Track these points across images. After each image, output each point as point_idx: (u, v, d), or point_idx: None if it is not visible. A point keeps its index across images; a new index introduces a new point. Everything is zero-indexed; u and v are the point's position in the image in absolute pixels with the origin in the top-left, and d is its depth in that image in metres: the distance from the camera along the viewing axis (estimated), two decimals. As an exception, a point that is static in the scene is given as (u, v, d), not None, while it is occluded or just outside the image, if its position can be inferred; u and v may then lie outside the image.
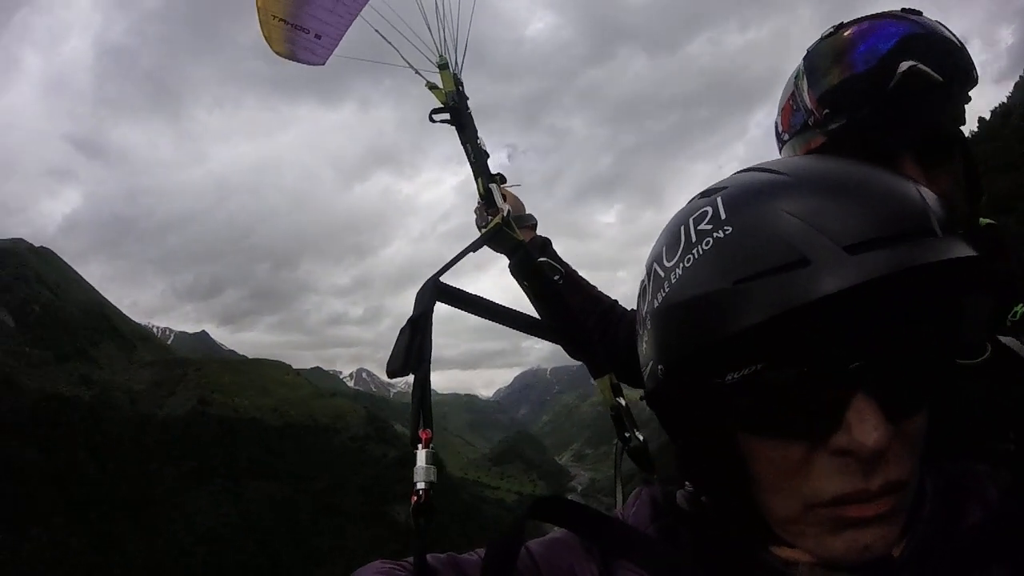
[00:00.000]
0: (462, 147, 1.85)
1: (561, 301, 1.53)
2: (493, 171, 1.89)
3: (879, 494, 0.59)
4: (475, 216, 1.95)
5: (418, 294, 0.88)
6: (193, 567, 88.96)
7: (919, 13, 1.32)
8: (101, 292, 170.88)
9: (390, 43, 1.99)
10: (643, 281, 0.71)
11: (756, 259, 0.57)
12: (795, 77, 1.42)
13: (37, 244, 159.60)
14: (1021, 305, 1.08)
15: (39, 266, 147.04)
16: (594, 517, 0.77)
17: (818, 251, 0.55)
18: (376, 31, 2.03)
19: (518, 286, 1.71)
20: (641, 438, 1.23)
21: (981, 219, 1.27)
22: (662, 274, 0.66)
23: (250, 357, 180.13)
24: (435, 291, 0.88)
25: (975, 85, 1.28)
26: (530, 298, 1.64)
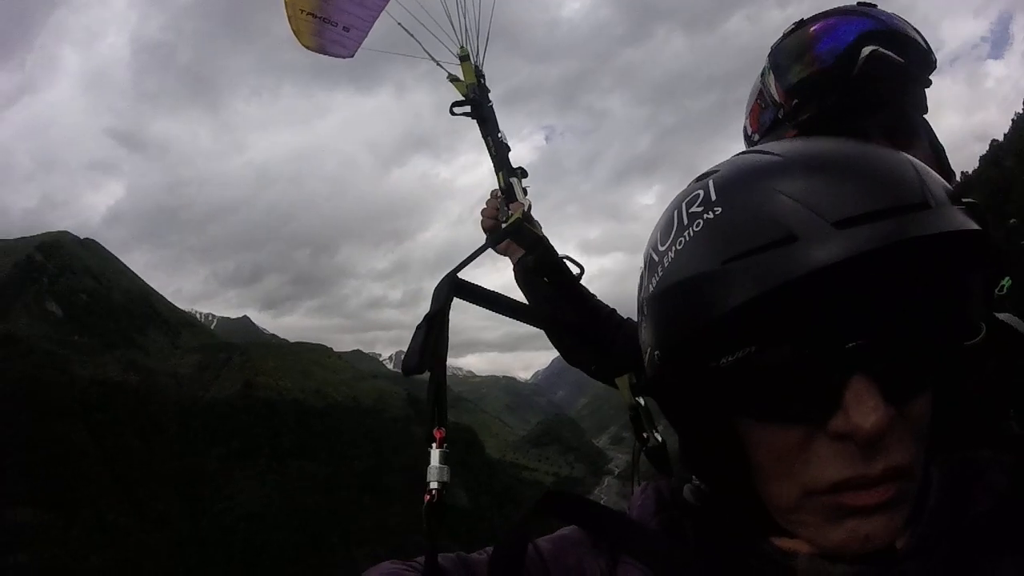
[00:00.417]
0: (483, 140, 1.84)
1: (584, 297, 1.50)
2: (520, 160, 1.85)
3: (880, 480, 0.57)
4: (482, 215, 1.91)
5: (435, 290, 0.87)
6: (237, 545, 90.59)
7: (874, 6, 1.37)
8: (145, 280, 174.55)
9: (412, 35, 2.00)
10: (641, 270, 0.71)
11: (744, 238, 0.56)
12: (761, 76, 1.46)
13: (82, 236, 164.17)
14: (1007, 279, 1.08)
15: (85, 257, 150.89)
16: (599, 512, 0.76)
17: (806, 227, 0.53)
18: (399, 24, 2.04)
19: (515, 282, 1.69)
20: (660, 438, 1.17)
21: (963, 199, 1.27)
22: (656, 259, 0.65)
23: (291, 341, 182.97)
24: (452, 287, 0.87)
25: (934, 69, 1.34)
26: (535, 297, 1.60)
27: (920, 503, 0.63)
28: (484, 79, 1.89)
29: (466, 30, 1.92)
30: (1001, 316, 1.00)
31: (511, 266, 1.84)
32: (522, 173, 1.80)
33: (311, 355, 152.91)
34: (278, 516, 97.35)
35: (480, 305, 0.99)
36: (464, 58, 1.90)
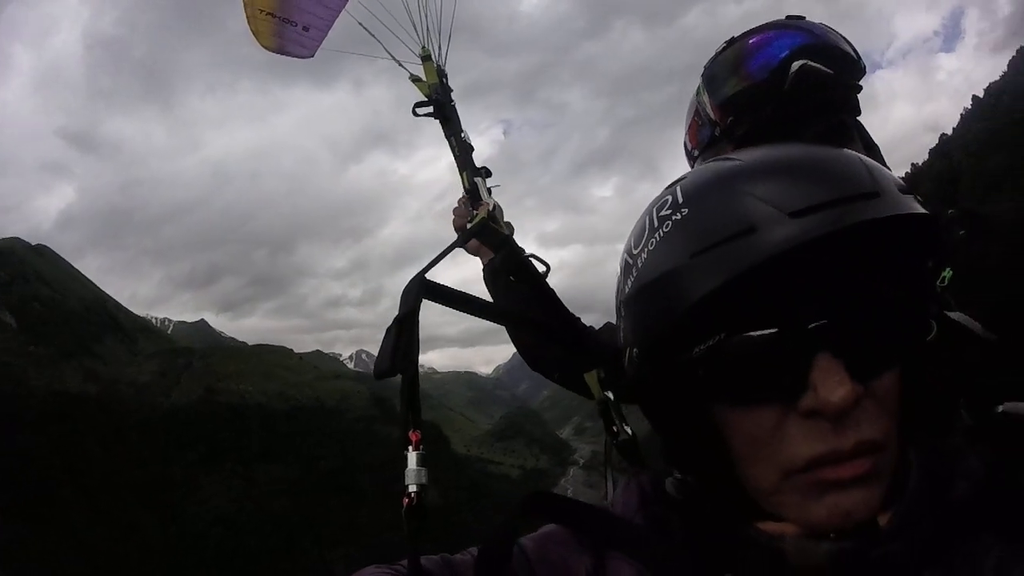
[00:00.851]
0: (446, 140, 1.82)
1: (551, 296, 1.49)
2: (479, 154, 1.86)
3: (853, 454, 0.59)
4: (454, 214, 1.93)
5: (404, 292, 0.86)
6: (208, 551, 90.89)
7: (802, 18, 1.42)
8: (99, 286, 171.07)
9: (373, 35, 1.96)
10: (618, 274, 0.74)
11: (709, 233, 0.59)
12: (696, 94, 1.51)
13: (33, 241, 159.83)
14: (948, 270, 1.12)
15: (38, 264, 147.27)
16: (583, 509, 0.78)
17: (764, 219, 0.57)
18: (360, 24, 2.00)
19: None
20: (630, 431, 1.25)
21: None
22: (631, 261, 0.69)
23: (250, 344, 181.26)
24: (422, 289, 0.86)
25: (863, 75, 1.39)
26: (502, 296, 1.61)
27: (901, 485, 0.65)
28: (446, 78, 1.88)
29: (427, 30, 1.89)
30: (953, 315, 1.08)
31: (469, 260, 1.85)
32: (486, 173, 1.77)
33: (272, 357, 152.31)
34: (248, 521, 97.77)
35: (450, 306, 0.99)
36: (426, 58, 1.89)
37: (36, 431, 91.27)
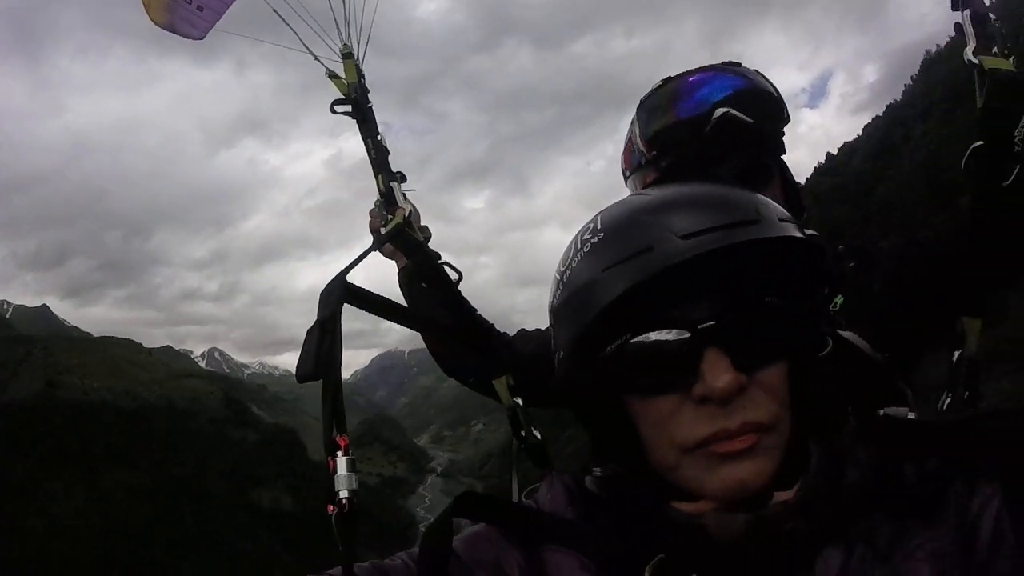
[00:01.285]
0: (362, 142, 1.79)
1: (463, 303, 1.51)
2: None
3: (739, 432, 0.70)
4: (370, 216, 1.93)
5: (323, 294, 0.87)
6: (53, 563, 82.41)
7: (738, 64, 1.56)
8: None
9: (288, 24, 1.89)
10: (551, 289, 0.86)
11: (617, 252, 0.73)
12: (632, 123, 1.66)
13: None
14: (840, 296, 1.31)
15: None
16: (515, 508, 0.86)
17: (660, 240, 0.71)
18: (275, 11, 1.91)
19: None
20: (538, 436, 1.31)
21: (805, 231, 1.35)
22: (559, 277, 0.83)
23: (95, 334, 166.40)
24: (343, 292, 0.88)
25: (787, 122, 1.53)
26: (415, 303, 1.64)
27: (802, 470, 0.77)
28: (364, 78, 1.84)
29: (348, 24, 1.86)
30: (844, 334, 1.27)
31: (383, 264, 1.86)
32: (401, 177, 1.76)
33: (120, 351, 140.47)
34: (95, 529, 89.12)
35: (370, 311, 1.01)
36: (347, 55, 1.85)
37: None
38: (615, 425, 0.79)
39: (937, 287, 1.35)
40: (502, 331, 1.85)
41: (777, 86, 1.54)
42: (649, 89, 1.61)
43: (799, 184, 1.61)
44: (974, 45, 1.25)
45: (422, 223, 1.83)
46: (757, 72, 1.55)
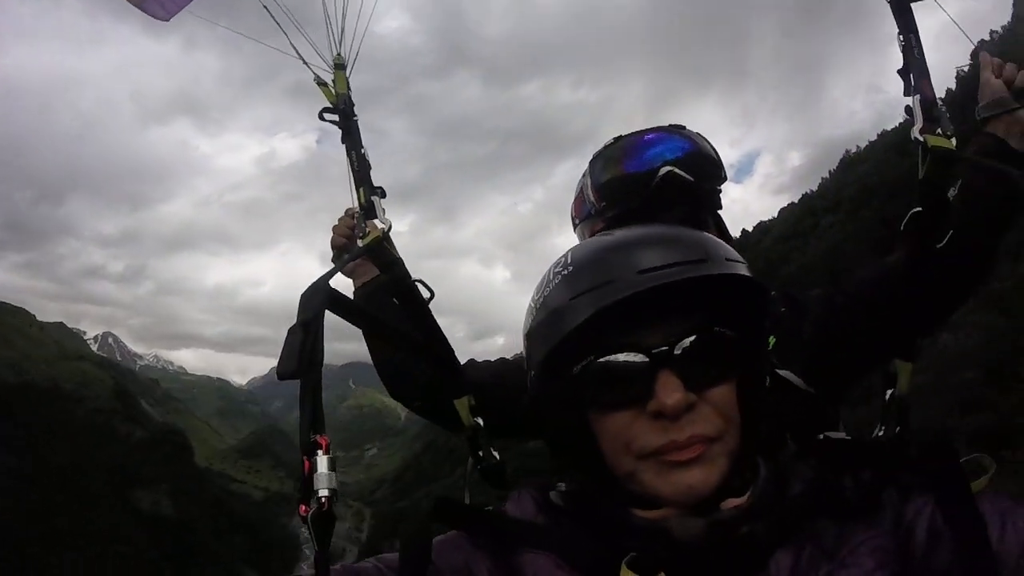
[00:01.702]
0: (346, 153, 1.79)
1: (433, 322, 1.52)
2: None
3: (688, 443, 0.81)
4: (333, 232, 1.96)
5: (304, 296, 0.90)
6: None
7: (683, 127, 1.73)
8: None
9: (279, 25, 1.88)
10: (525, 316, 0.98)
11: (583, 282, 0.85)
12: (583, 175, 1.81)
13: None
14: (773, 337, 1.37)
15: None
16: (489, 515, 0.93)
17: (620, 274, 0.83)
18: (265, 7, 1.91)
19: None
20: (497, 456, 1.34)
21: None
22: (533, 304, 0.94)
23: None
24: (325, 297, 0.91)
25: (723, 182, 1.72)
26: (368, 325, 1.49)
27: (753, 480, 0.89)
28: (350, 91, 1.86)
29: (343, 36, 1.88)
30: (782, 372, 1.45)
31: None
32: (381, 192, 1.75)
33: (11, 320, 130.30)
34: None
35: (347, 319, 1.03)
36: (340, 67, 1.88)
37: None
38: (579, 438, 0.88)
39: (860, 333, 1.50)
40: None
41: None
42: (601, 144, 1.77)
43: (732, 236, 1.81)
44: (921, 125, 1.40)
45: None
46: (700, 135, 1.72)
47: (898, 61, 1.50)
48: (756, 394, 0.89)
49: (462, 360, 1.72)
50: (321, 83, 1.85)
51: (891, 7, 1.53)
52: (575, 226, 1.88)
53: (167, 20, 2.12)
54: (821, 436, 1.04)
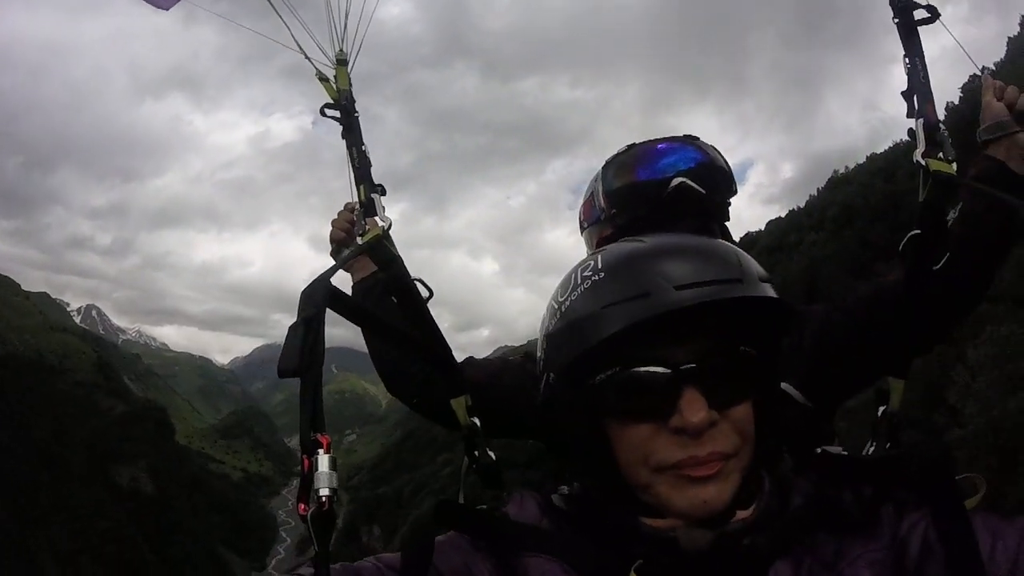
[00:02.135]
0: (346, 150, 1.78)
1: (431, 321, 1.51)
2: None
3: (707, 459, 0.82)
4: (332, 226, 1.97)
5: (305, 293, 0.88)
6: None
7: (696, 138, 1.75)
8: None
9: (281, 17, 1.84)
10: (543, 316, 0.99)
11: (617, 293, 0.84)
12: (595, 179, 1.82)
13: None
14: None
15: None
16: (492, 518, 0.94)
17: (657, 287, 0.82)
18: (273, 8, 1.85)
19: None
20: (493, 456, 1.34)
21: None
22: (556, 306, 0.93)
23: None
24: (327, 295, 0.89)
25: (734, 195, 1.74)
26: (368, 323, 1.45)
27: (758, 492, 0.91)
28: (351, 87, 1.84)
29: (345, 32, 1.86)
30: (783, 385, 1.42)
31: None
32: (382, 190, 1.74)
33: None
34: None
35: (347, 317, 1.02)
36: (342, 62, 1.85)
37: None
38: (594, 445, 0.89)
39: (855, 350, 1.51)
40: None
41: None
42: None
43: (736, 245, 1.75)
44: (923, 149, 1.41)
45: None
46: (714, 148, 1.74)
47: (898, 81, 1.51)
48: (771, 412, 0.91)
49: (459, 358, 1.77)
50: (323, 79, 1.85)
51: (898, 29, 1.54)
52: (582, 229, 1.92)
53: (167, 9, 2.15)
54: (819, 450, 1.07)
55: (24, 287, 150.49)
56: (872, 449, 1.28)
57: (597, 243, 1.81)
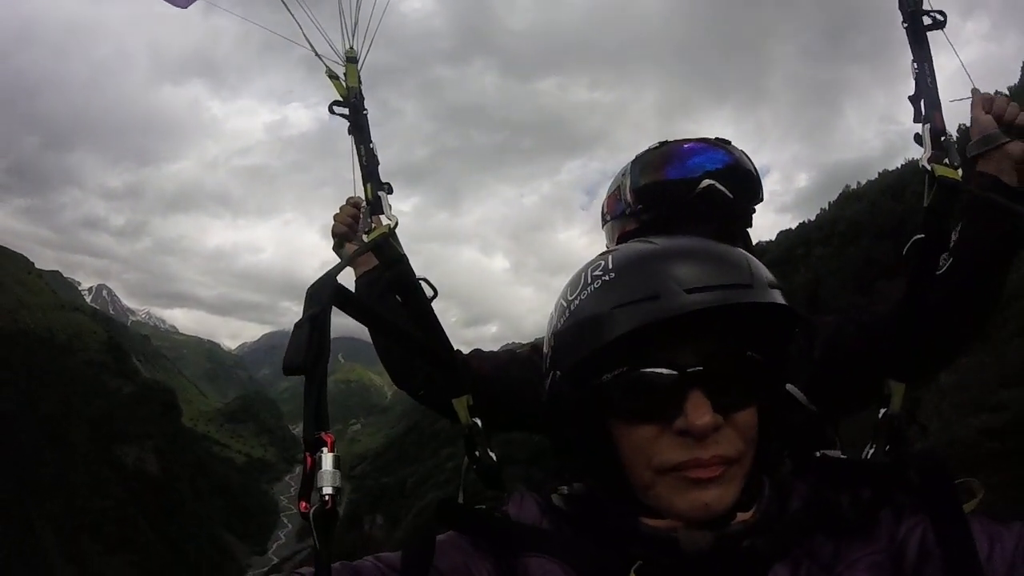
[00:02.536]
0: (354, 148, 1.77)
1: (436, 321, 1.51)
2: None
3: (710, 463, 0.83)
4: (334, 220, 1.96)
5: (311, 291, 0.88)
6: None
7: (729, 142, 1.74)
8: None
9: (293, 16, 1.83)
10: (551, 314, 0.99)
11: (627, 293, 0.85)
12: (622, 174, 1.81)
13: None
14: None
15: None
16: (493, 518, 0.95)
17: (667, 290, 0.83)
18: (284, 4, 1.84)
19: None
20: (494, 457, 1.33)
21: None
22: (565, 305, 0.94)
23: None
24: (333, 292, 0.89)
25: (760, 201, 1.74)
26: (373, 322, 1.42)
27: (758, 496, 0.91)
28: (360, 85, 1.83)
29: (356, 29, 1.85)
30: (788, 387, 1.40)
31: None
32: (389, 188, 1.73)
33: (9, 265, 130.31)
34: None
35: (353, 316, 1.02)
36: (352, 60, 1.85)
37: None
38: (597, 444, 0.90)
39: (866, 363, 1.48)
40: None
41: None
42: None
43: (756, 250, 1.79)
44: (929, 154, 1.40)
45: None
46: (744, 153, 1.72)
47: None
48: (775, 418, 0.92)
49: (466, 350, 1.82)
50: (333, 76, 1.84)
51: (907, 34, 1.54)
52: (604, 222, 1.92)
53: (184, 7, 2.19)
54: (818, 454, 1.08)
55: (37, 265, 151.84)
56: (872, 451, 1.28)
57: (619, 238, 1.82)
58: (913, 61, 1.52)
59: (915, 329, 1.33)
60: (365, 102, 1.82)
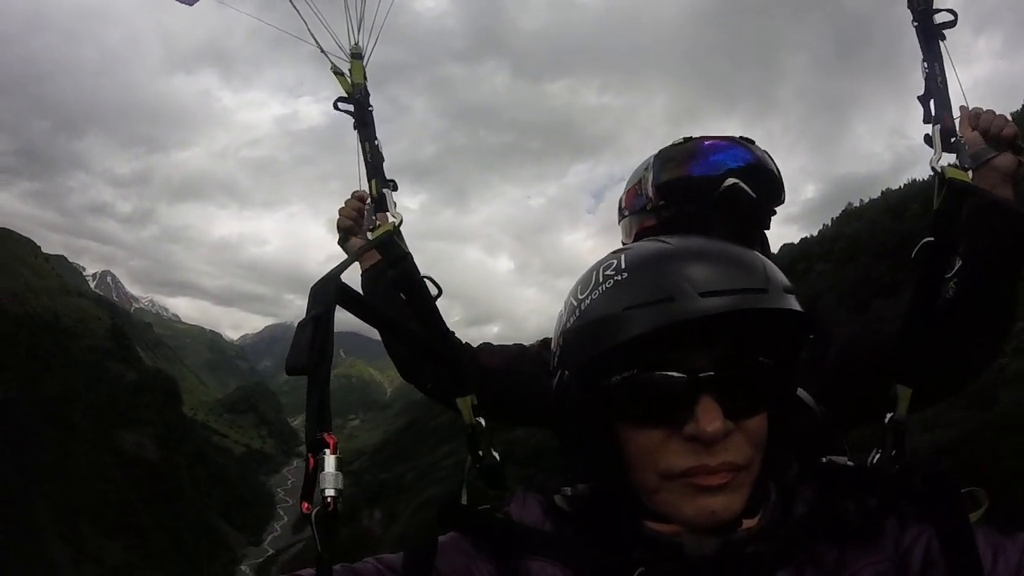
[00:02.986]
0: (359, 144, 1.76)
1: (440, 319, 1.50)
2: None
3: (718, 469, 0.81)
4: (339, 214, 1.94)
5: (314, 290, 0.86)
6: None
7: (752, 142, 1.70)
8: None
9: (298, 11, 1.81)
10: (560, 312, 0.97)
11: (640, 294, 0.82)
12: (644, 168, 1.78)
13: None
14: None
15: None
16: (495, 520, 0.94)
17: (681, 293, 0.81)
18: (291, 1, 1.82)
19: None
20: (497, 456, 1.33)
21: None
22: (575, 303, 0.91)
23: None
24: (337, 291, 0.88)
25: (781, 203, 1.72)
26: (381, 306, 1.52)
27: (764, 502, 0.90)
28: (366, 81, 1.82)
29: (361, 23, 1.83)
30: (798, 392, 1.34)
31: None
32: (393, 186, 1.73)
33: (17, 248, 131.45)
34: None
35: (356, 314, 1.01)
36: (357, 56, 1.83)
37: None
38: (604, 445, 0.88)
39: (879, 375, 1.44)
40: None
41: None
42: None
43: (773, 254, 1.81)
44: (939, 155, 1.39)
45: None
46: (767, 153, 1.69)
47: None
48: (784, 425, 0.90)
49: (475, 344, 1.85)
50: (338, 72, 1.84)
51: (917, 34, 1.51)
52: (621, 217, 1.90)
53: (191, 5, 2.18)
54: (824, 459, 1.06)
55: (43, 249, 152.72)
56: (878, 456, 1.27)
57: (637, 233, 1.80)
58: (923, 61, 1.49)
59: (922, 332, 1.30)
60: (371, 98, 1.81)
